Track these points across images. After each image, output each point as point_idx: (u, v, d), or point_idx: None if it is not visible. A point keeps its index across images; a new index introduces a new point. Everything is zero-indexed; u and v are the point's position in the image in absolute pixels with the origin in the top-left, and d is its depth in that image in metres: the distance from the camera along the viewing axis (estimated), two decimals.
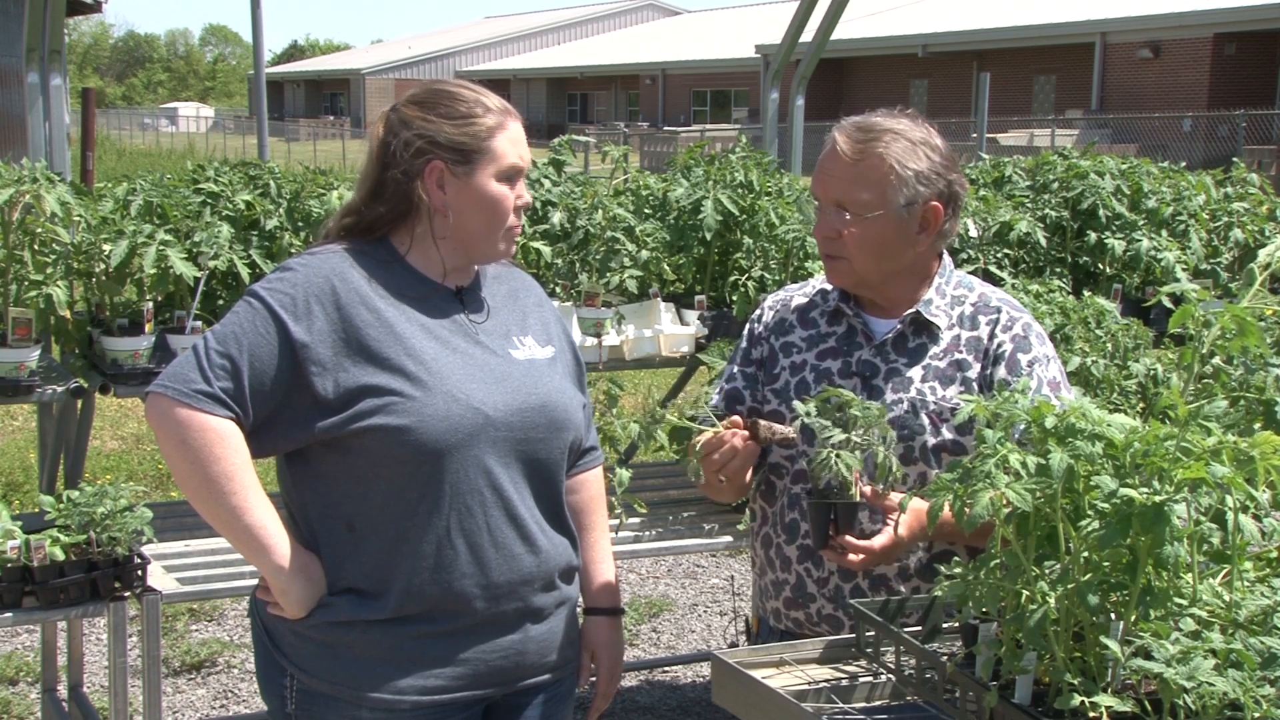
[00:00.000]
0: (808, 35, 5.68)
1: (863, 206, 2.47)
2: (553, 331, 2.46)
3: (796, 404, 2.36)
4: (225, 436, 2.14)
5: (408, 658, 2.22)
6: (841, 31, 7.65)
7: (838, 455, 2.28)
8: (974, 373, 2.54)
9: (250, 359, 2.16)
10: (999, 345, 2.55)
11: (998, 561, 1.85)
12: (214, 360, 2.16)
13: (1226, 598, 1.74)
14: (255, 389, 2.16)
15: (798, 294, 2.73)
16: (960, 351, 2.56)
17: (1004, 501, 1.77)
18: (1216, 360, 2.29)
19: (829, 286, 2.69)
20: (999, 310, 2.60)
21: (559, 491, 2.38)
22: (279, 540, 2.19)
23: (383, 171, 2.29)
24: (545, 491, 2.34)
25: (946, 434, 2.49)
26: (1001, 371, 2.53)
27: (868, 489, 2.34)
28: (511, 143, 2.30)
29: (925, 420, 2.50)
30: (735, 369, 2.72)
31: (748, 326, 2.75)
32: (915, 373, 2.54)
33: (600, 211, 4.21)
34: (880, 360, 2.56)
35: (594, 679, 2.53)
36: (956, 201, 2.55)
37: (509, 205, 2.30)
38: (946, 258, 2.63)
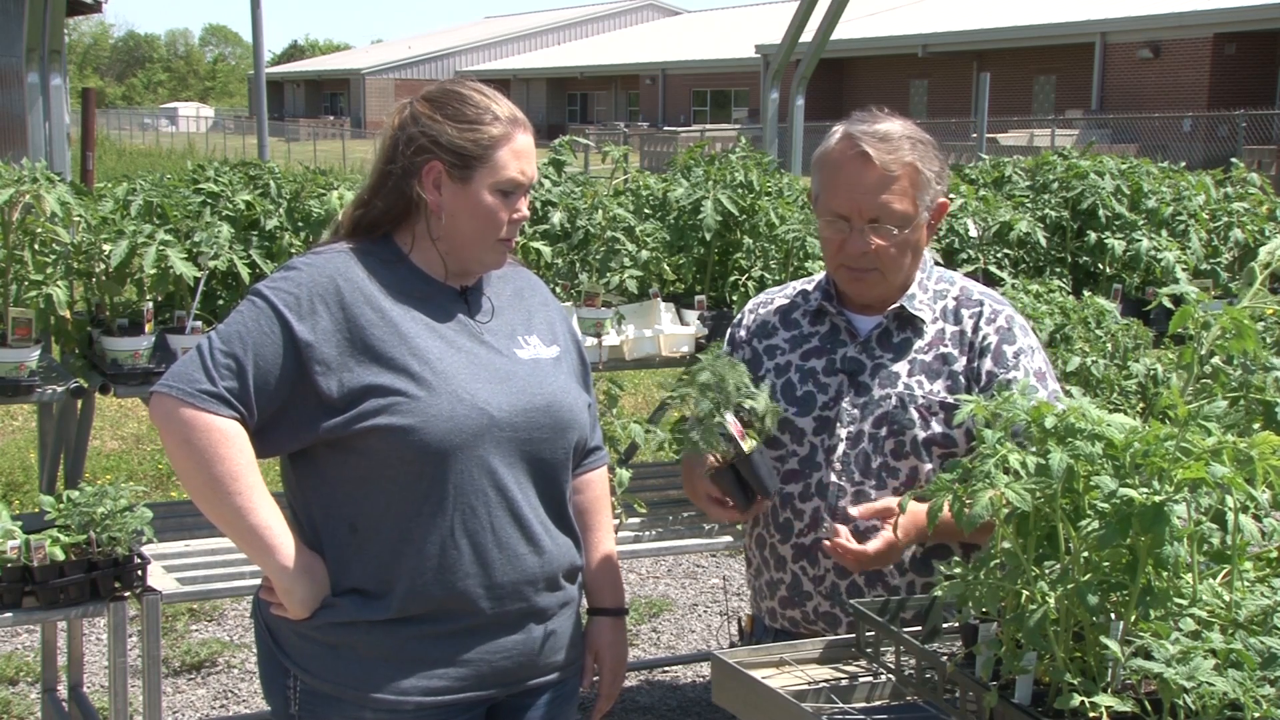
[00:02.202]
0: (808, 35, 5.68)
1: (901, 219, 2.47)
2: (558, 331, 2.45)
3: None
4: (230, 436, 2.14)
5: (411, 658, 2.22)
6: (841, 31, 7.66)
7: (694, 433, 2.30)
8: (960, 365, 2.55)
9: (255, 358, 2.15)
10: (984, 338, 2.57)
11: (998, 561, 1.86)
12: (218, 360, 2.15)
13: (1226, 598, 1.74)
14: (260, 388, 2.16)
15: (778, 296, 2.73)
16: (945, 345, 2.57)
17: (1004, 501, 1.77)
18: (1216, 360, 2.29)
19: (809, 287, 2.69)
20: (981, 303, 2.61)
21: (563, 491, 2.38)
22: (284, 540, 2.19)
23: (387, 164, 2.28)
24: (549, 491, 2.34)
25: (936, 427, 2.50)
26: (988, 364, 2.55)
27: (745, 445, 2.37)
28: (514, 155, 2.27)
29: (914, 414, 2.51)
30: None
31: (729, 332, 2.75)
32: (901, 367, 2.55)
33: (600, 211, 4.21)
34: (865, 357, 2.57)
35: (596, 679, 2.53)
36: None
37: (502, 219, 2.28)
38: (926, 253, 2.64)
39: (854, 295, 2.59)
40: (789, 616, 2.63)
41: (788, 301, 2.70)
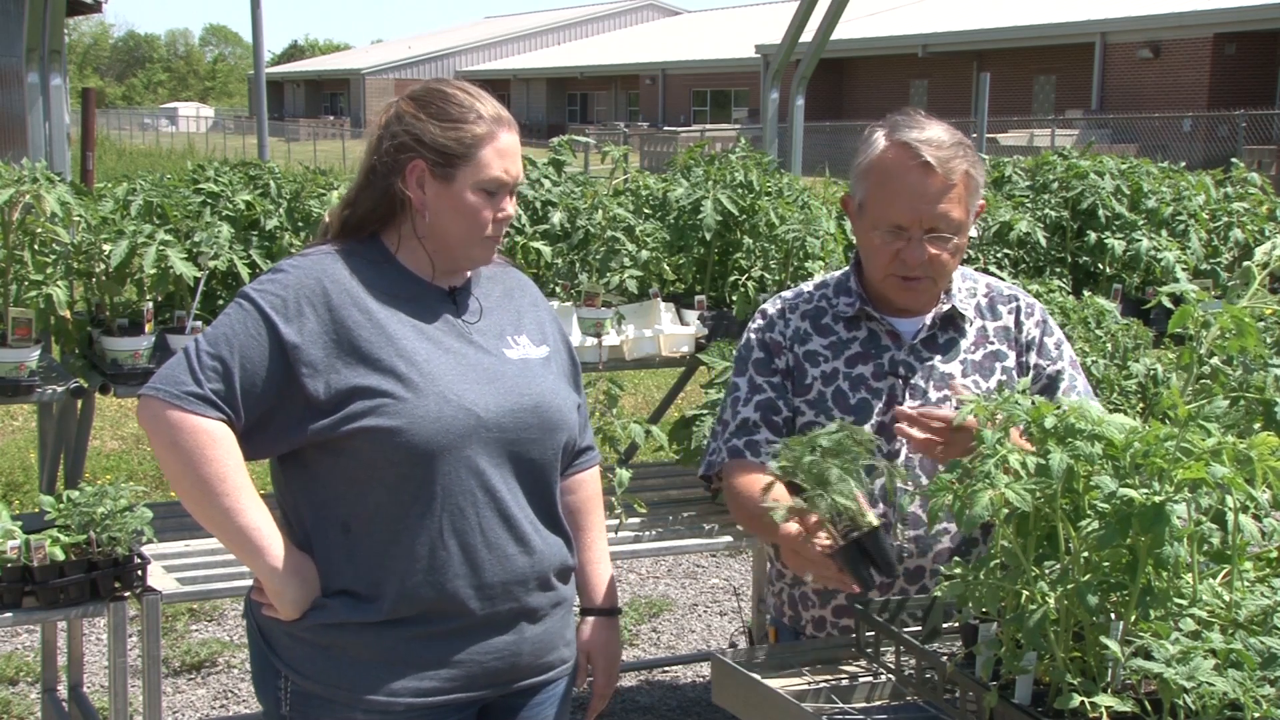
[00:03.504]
0: (808, 35, 5.68)
1: (958, 227, 2.46)
2: (548, 331, 2.45)
3: (770, 464, 2.22)
4: (217, 438, 2.13)
5: (402, 659, 2.22)
6: (841, 31, 7.65)
7: (820, 497, 2.11)
8: (1010, 362, 2.58)
9: (241, 360, 2.15)
10: (1028, 334, 2.61)
11: (998, 561, 1.86)
12: (205, 362, 2.15)
13: (1226, 598, 1.74)
14: (247, 390, 2.15)
15: (800, 302, 2.67)
16: (991, 342, 2.58)
17: (1004, 501, 1.77)
18: (1216, 360, 2.29)
19: (829, 291, 2.66)
20: (1015, 298, 2.65)
21: (552, 491, 2.37)
22: (273, 542, 2.18)
23: (372, 162, 2.28)
24: (538, 491, 2.33)
25: None
26: (1034, 358, 2.59)
27: (872, 519, 2.14)
28: (498, 154, 2.25)
29: None
30: (758, 379, 2.61)
31: (757, 336, 2.66)
32: (954, 368, 2.55)
33: (600, 211, 4.21)
34: (914, 359, 2.56)
35: (591, 679, 2.53)
36: None
37: (486, 217, 2.27)
38: None
39: (904, 304, 2.56)
40: (843, 626, 2.59)
41: (812, 307, 2.65)
